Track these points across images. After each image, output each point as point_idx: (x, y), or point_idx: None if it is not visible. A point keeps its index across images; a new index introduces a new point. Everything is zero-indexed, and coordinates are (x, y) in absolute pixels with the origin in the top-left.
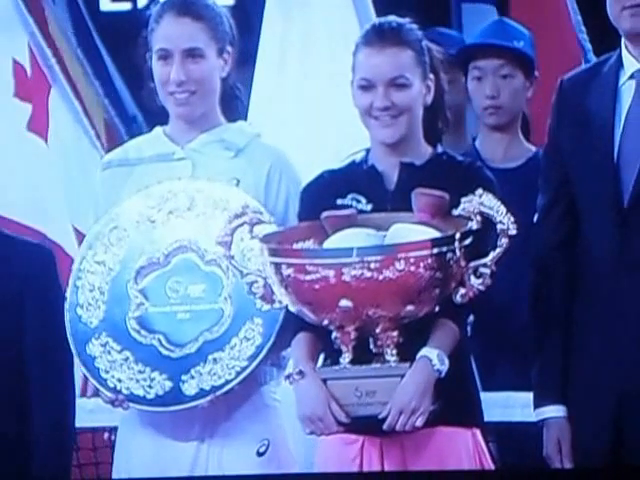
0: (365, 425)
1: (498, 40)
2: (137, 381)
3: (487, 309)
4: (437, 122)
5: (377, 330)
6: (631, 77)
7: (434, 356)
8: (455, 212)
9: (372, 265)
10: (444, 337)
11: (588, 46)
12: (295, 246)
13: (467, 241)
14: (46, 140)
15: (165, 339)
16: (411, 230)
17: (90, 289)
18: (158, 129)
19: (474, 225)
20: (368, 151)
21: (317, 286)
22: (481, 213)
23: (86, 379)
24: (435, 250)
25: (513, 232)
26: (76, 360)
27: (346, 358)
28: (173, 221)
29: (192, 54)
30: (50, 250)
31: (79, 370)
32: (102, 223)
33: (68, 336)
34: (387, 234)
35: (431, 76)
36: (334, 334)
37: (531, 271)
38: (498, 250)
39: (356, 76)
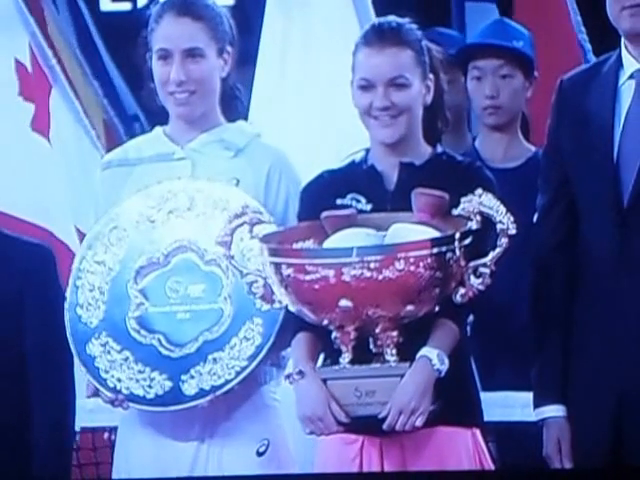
0: (365, 425)
1: (498, 40)
2: (137, 381)
3: (487, 309)
4: (437, 122)
5: (377, 330)
6: (631, 77)
7: (434, 356)
8: (455, 212)
9: (372, 265)
10: (444, 337)
11: (588, 46)
12: (295, 246)
13: (467, 241)
14: (49, 140)
15: (165, 339)
16: (411, 230)
17: (90, 289)
18: (158, 129)
19: (474, 225)
20: (368, 151)
21: (317, 286)
22: (481, 213)
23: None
24: (435, 250)
25: (513, 232)
26: (76, 360)
27: (346, 358)
28: (173, 221)
29: (192, 54)
30: (50, 249)
31: (79, 370)
32: (102, 223)
33: (68, 336)
34: (387, 234)
35: (431, 76)
36: (334, 334)
37: (531, 271)
38: (498, 250)
39: (356, 76)
